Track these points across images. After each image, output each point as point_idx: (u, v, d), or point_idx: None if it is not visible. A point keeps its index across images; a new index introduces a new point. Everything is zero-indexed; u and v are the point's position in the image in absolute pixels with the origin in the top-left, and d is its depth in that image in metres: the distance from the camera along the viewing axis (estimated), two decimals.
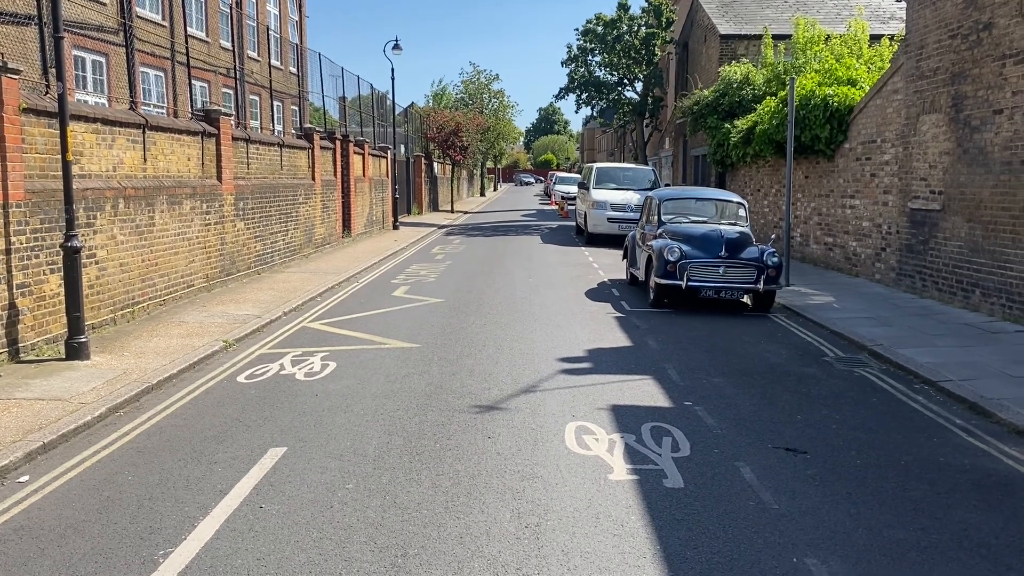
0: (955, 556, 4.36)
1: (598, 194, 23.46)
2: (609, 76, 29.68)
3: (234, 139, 14.72)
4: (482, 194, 75.49)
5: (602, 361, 8.80)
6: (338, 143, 22.50)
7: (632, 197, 22.87)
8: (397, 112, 42.13)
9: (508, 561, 4.21)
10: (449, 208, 43.93)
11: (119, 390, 7.42)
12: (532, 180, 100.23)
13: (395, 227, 28.97)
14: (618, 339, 10.00)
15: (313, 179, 19.83)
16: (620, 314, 11.76)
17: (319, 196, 20.22)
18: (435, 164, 44.69)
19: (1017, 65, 10.24)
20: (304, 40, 39.44)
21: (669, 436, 6.23)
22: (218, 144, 13.89)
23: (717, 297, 11.79)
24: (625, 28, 27.88)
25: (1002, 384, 7.63)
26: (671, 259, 11.77)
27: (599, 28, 28.82)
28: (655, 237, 12.76)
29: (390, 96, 58.99)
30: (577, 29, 29.42)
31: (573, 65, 29.62)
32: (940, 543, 4.51)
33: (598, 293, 13.82)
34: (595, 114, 30.97)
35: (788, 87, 14.11)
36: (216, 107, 14.16)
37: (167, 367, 8.33)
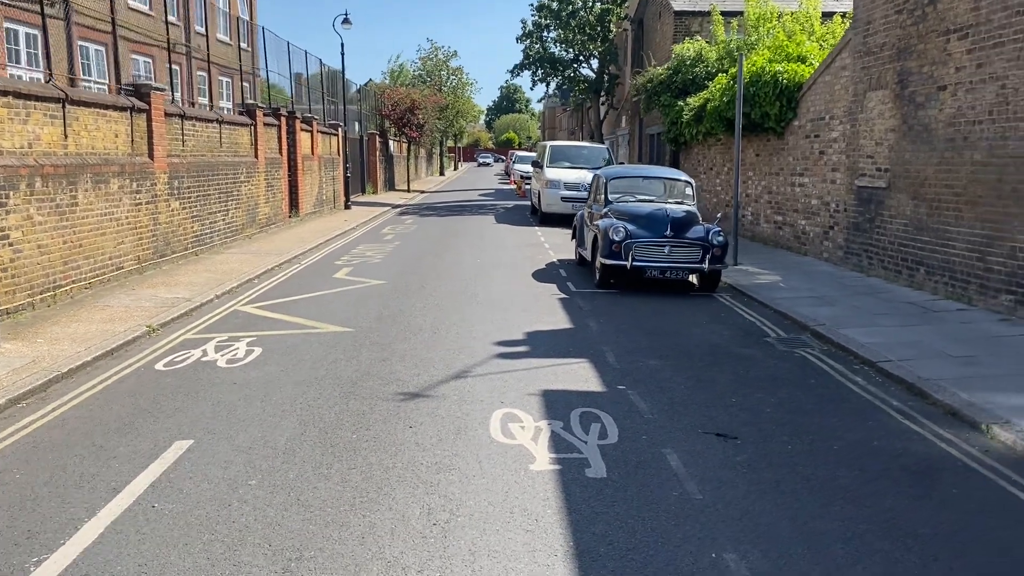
0: (880, 547, 4.19)
1: (552, 173, 23.17)
2: (564, 53, 29.31)
3: (167, 115, 14.15)
4: (441, 173, 74.76)
5: (540, 344, 8.55)
6: (283, 120, 21.89)
7: (586, 176, 22.54)
8: (353, 90, 41.39)
9: (409, 563, 3.94)
10: (405, 187, 43.35)
11: (24, 380, 6.99)
12: (491, 160, 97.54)
13: (347, 207, 28.42)
14: (559, 321, 9.76)
15: (256, 157, 19.25)
16: (565, 295, 11.51)
17: (263, 174, 19.65)
18: (391, 142, 44.00)
19: (960, 40, 10.12)
20: (254, 15, 38.44)
21: (598, 422, 6.00)
22: (149, 120, 13.32)
23: (663, 277, 11.60)
24: (580, 3, 27.49)
25: (941, 364, 7.52)
26: (616, 239, 11.54)
27: (554, 3, 28.39)
28: (602, 216, 12.51)
29: (343, 73, 57.77)
30: (532, 4, 29.03)
31: (528, 41, 29.19)
32: (866, 533, 4.34)
33: (545, 274, 13.56)
34: (550, 91, 30.57)
35: (737, 64, 13.90)
36: (147, 81, 13.57)
37: (81, 354, 7.89)
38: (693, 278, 12.12)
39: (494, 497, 4.69)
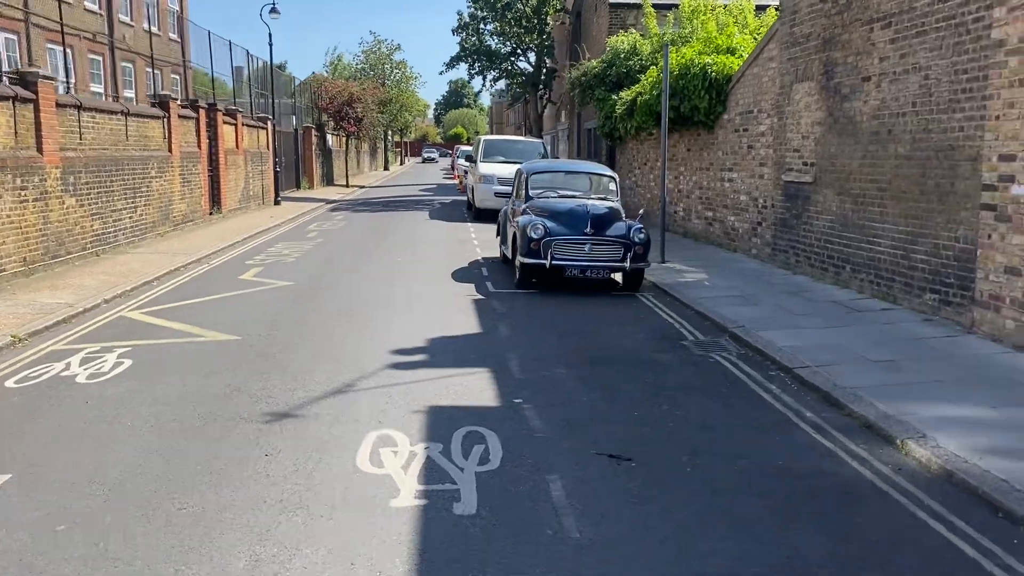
0: None
1: (485, 167, 22.56)
2: (501, 46, 28.69)
3: (60, 106, 13.17)
4: (386, 168, 73.61)
5: (441, 352, 7.93)
6: (202, 112, 20.87)
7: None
8: (297, 83, 40.19)
9: None
10: (344, 183, 42.31)
11: None
12: (436, 155, 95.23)
13: (276, 203, 27.42)
14: (469, 325, 9.15)
15: (170, 151, 18.25)
16: (481, 296, 10.91)
17: (177, 169, 18.65)
18: (329, 136, 42.91)
19: (884, 30, 9.76)
20: (185, 6, 37.03)
21: (482, 444, 5.40)
22: (37, 111, 12.34)
23: (583, 277, 11.05)
24: None
25: (859, 370, 7.10)
26: (534, 236, 10.97)
27: None
28: (522, 213, 11.94)
29: (279, 65, 56.30)
30: None
31: (464, 33, 28.47)
32: None
33: (467, 273, 12.94)
34: (486, 85, 30.02)
35: (663, 55, 13.44)
36: (34, 69, 12.58)
37: None
38: (618, 276, 11.62)
39: (338, 543, 4.06)
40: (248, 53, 29.00)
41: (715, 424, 5.98)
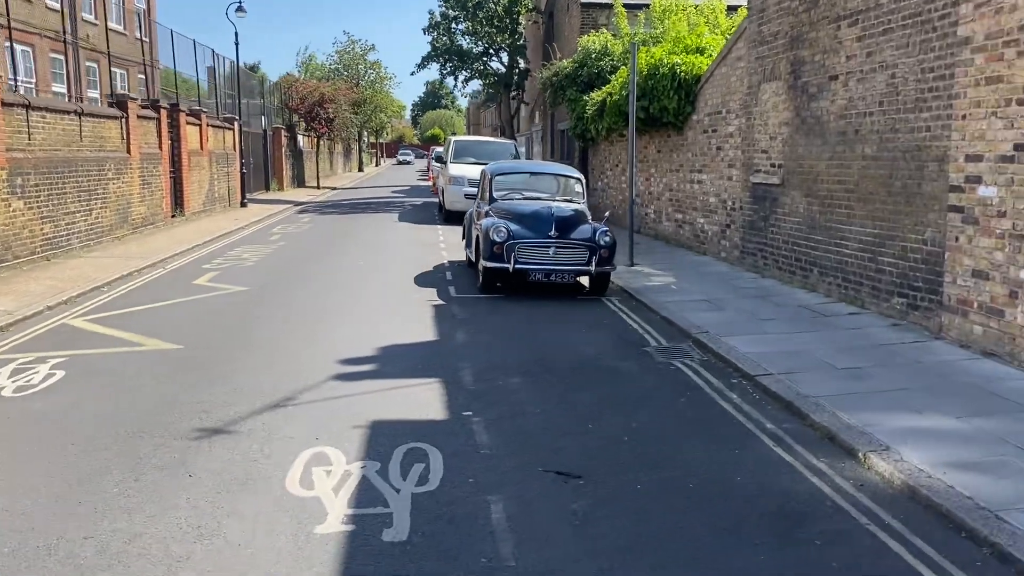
0: None
1: (455, 169, 22.22)
2: (474, 46, 28.35)
3: (6, 104, 12.70)
4: (360, 170, 73.00)
5: (393, 362, 7.60)
6: (164, 112, 20.37)
7: None
8: (269, 83, 39.65)
9: None
10: (315, 184, 41.78)
11: None
12: (411, 157, 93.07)
13: (243, 204, 26.90)
14: (425, 333, 8.83)
15: (129, 152, 17.76)
16: (442, 302, 10.58)
17: (137, 171, 18.16)
18: (300, 137, 42.37)
19: (851, 27, 9.56)
20: (152, 4, 36.40)
21: (424, 462, 5.09)
22: None
23: (548, 281, 10.76)
24: None
25: (824, 378, 6.86)
26: (498, 239, 10.67)
27: None
28: (485, 215, 11.64)
29: (252, 66, 55.54)
30: None
31: (435, 33, 28.11)
32: None
33: (430, 277, 12.61)
34: (458, 85, 29.65)
35: (638, 56, 13.19)
36: None
37: None
38: (585, 280, 11.34)
39: (254, 575, 3.73)
40: (214, 53, 28.51)
41: (672, 437, 5.70)
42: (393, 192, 37.93)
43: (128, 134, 17.75)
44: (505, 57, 28.16)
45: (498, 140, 26.06)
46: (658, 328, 9.22)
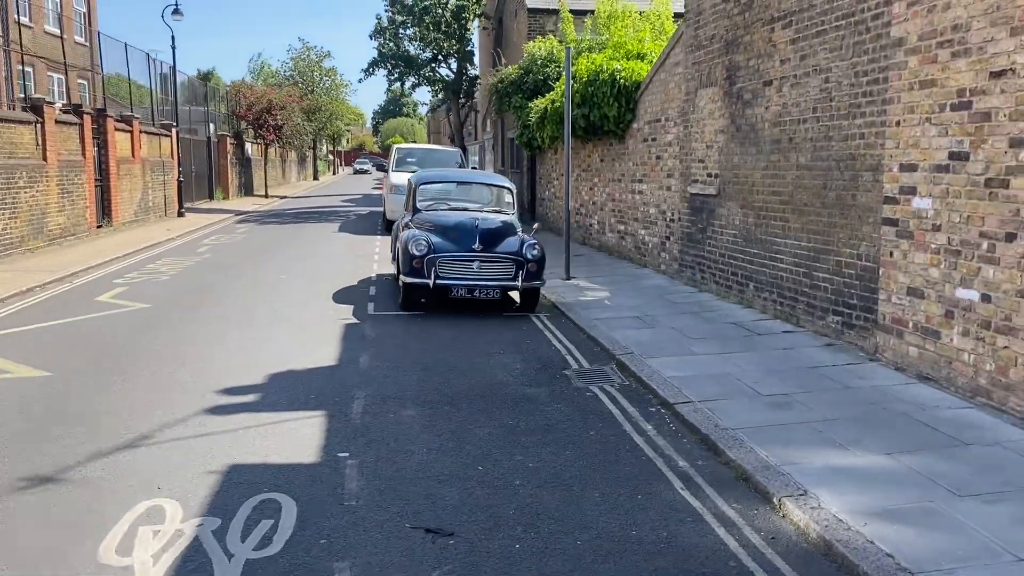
0: None
1: (397, 178, 21.47)
2: (421, 51, 27.65)
3: None
4: (315, 178, 71.77)
5: (279, 391, 6.88)
6: (88, 118, 19.36)
7: None
8: (207, 90, 38.55)
9: None
10: (263, 193, 40.70)
11: None
12: (368, 166, 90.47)
13: (180, 214, 25.87)
14: (326, 356, 8.11)
15: (45, 159, 16.78)
16: (356, 321, 9.87)
17: (55, 179, 17.18)
18: (248, 145, 41.29)
19: (785, 29, 9.07)
20: (94, 6, 35.19)
21: (273, 518, 4.39)
22: None
23: (472, 297, 10.10)
24: None
25: (747, 406, 6.29)
26: (417, 253, 10.00)
27: None
28: (407, 227, 10.97)
29: (207, 73, 54.18)
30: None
31: (381, 38, 27.38)
32: None
33: (351, 292, 11.88)
34: (404, 91, 28.88)
35: (580, 61, 12.63)
36: None
37: None
38: (516, 295, 10.70)
39: None
40: (148, 56, 27.47)
41: (570, 479, 5.07)
42: (343, 201, 37.05)
43: (44, 140, 16.77)
44: (454, 63, 27.53)
45: (444, 148, 25.44)
46: (583, 348, 8.62)
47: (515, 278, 10.09)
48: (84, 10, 34.82)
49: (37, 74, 31.49)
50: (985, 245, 6.06)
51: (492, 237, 10.28)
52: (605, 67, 14.89)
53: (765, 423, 5.88)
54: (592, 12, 21.05)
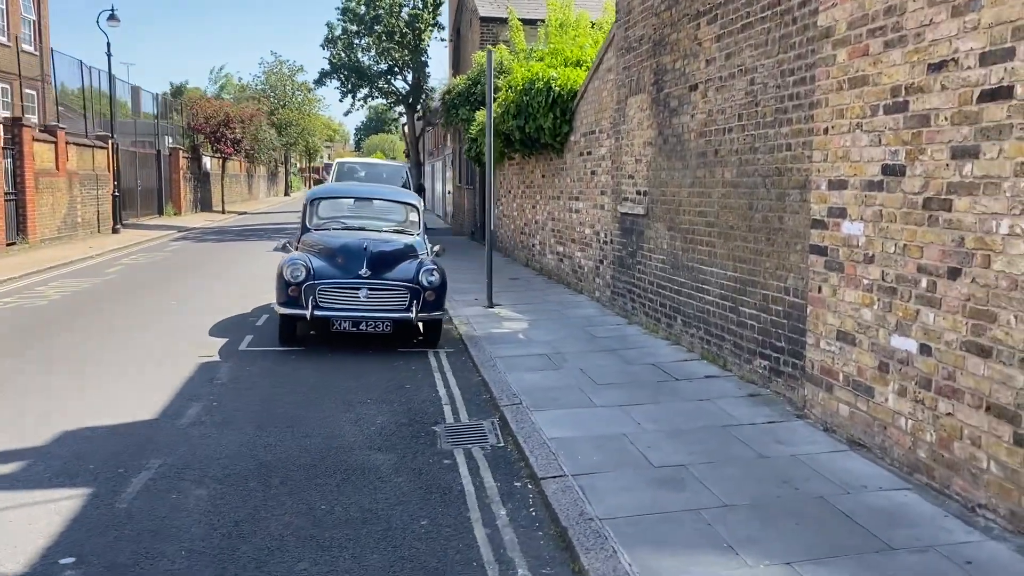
0: None
1: None
2: (375, 62, 26.41)
3: None
4: (287, 194, 70.43)
5: (56, 456, 5.52)
6: None
7: None
8: (157, 100, 37.21)
9: None
10: (221, 208, 39.26)
11: None
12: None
13: (115, 231, 24.45)
14: (149, 408, 6.72)
15: None
16: (218, 359, 8.50)
17: None
18: (207, 159, 39.91)
19: (710, 25, 7.85)
20: (44, 14, 33.77)
21: None
22: None
23: (357, 331, 8.76)
24: (385, 7, 24.64)
25: (631, 482, 4.98)
26: (293, 279, 8.67)
27: (360, 7, 25.46)
28: (294, 249, 9.65)
29: (180, 86, 52.85)
30: (338, 7, 26.02)
31: (333, 48, 26.12)
32: None
33: (236, 323, 10.50)
34: (355, 104, 27.67)
35: (486, 63, 11.40)
36: None
37: None
38: (423, 326, 9.38)
39: None
40: (82, 64, 26.12)
41: None
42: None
43: None
44: (411, 75, 26.31)
45: (386, 162, 24.20)
46: (470, 395, 7.31)
47: (409, 309, 8.78)
48: (34, 18, 33.36)
49: None
50: (924, 282, 4.80)
51: (384, 261, 8.97)
52: (541, 75, 13.67)
53: (645, 509, 4.57)
54: (543, 20, 19.89)
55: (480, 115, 17.80)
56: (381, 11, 25.01)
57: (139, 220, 30.01)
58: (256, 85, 61.78)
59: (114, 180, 25.27)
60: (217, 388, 7.33)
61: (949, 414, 4.60)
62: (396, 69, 26.39)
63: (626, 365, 7.98)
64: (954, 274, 4.55)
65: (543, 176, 15.20)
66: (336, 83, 27.74)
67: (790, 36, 6.43)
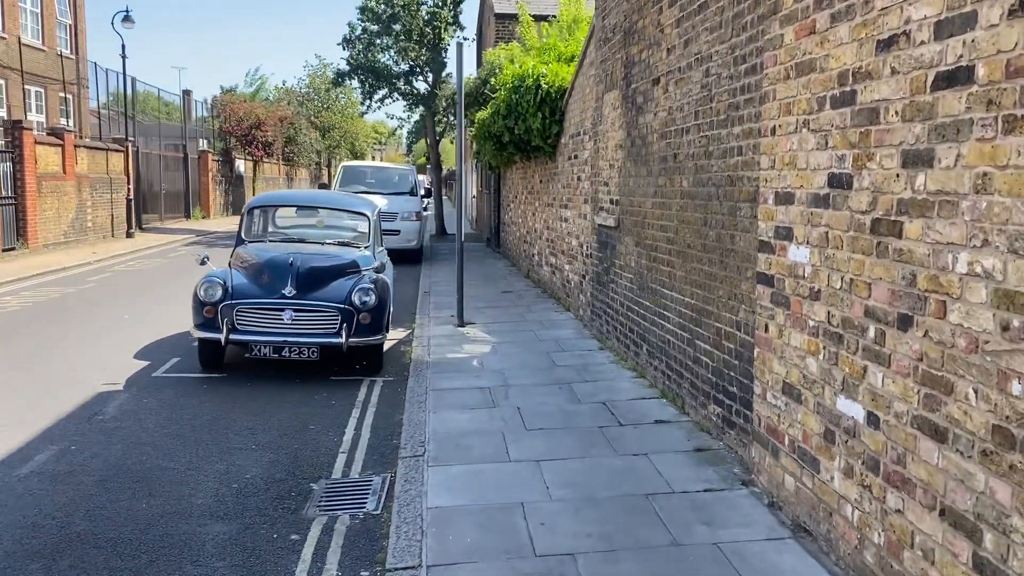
0: None
1: None
2: (395, 63, 25.62)
3: None
4: None
5: None
6: None
7: (378, 202, 18.87)
8: (186, 103, 37.10)
9: None
10: None
11: None
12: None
13: (128, 235, 24.09)
14: None
15: None
16: (120, 387, 7.63)
17: None
18: (240, 162, 39.69)
19: (671, 8, 6.70)
20: (80, 18, 33.85)
21: None
22: None
23: (280, 358, 7.81)
24: (402, 4, 23.81)
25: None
26: (208, 300, 7.77)
27: (381, 5, 24.69)
28: (228, 265, 8.76)
29: (227, 89, 52.97)
30: (358, 7, 25.28)
31: (352, 48, 25.42)
32: None
33: (175, 342, 9.59)
34: (372, 105, 26.96)
35: (456, 55, 10.40)
36: None
37: None
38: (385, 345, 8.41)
39: None
40: (95, 65, 25.87)
41: None
42: None
43: None
44: (430, 76, 25.50)
45: (393, 166, 23.32)
46: (381, 440, 6.30)
47: (339, 333, 7.79)
48: (70, 22, 33.36)
49: (10, 86, 30.05)
50: (872, 331, 3.61)
51: (315, 279, 8.00)
52: (531, 72, 12.59)
53: None
54: (555, 16, 18.80)
55: (480, 115, 16.77)
56: (399, 8, 24.12)
57: (163, 223, 29.78)
58: (300, 88, 61.79)
59: (129, 183, 24.92)
60: (91, 427, 6.44)
61: (899, 511, 3.41)
62: (417, 69, 25.56)
63: (572, 404, 6.87)
64: (905, 323, 3.36)
65: (540, 181, 14.14)
66: (355, 84, 27.02)
67: (743, 15, 5.26)
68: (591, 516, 4.59)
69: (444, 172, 32.95)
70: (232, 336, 7.66)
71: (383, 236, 18.57)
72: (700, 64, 6.01)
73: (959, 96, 2.98)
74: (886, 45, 3.47)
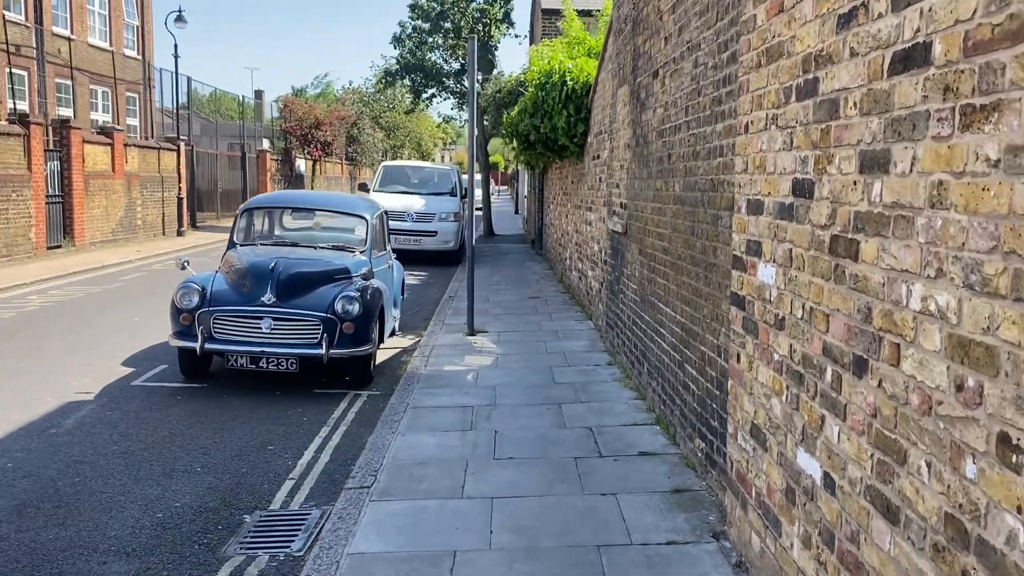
0: None
1: (378, 199, 19.06)
2: (447, 61, 25.26)
3: None
4: None
5: None
6: (35, 129, 17.78)
7: (415, 203, 18.58)
8: (245, 104, 37.55)
9: None
10: None
11: None
12: None
13: (179, 233, 24.35)
14: None
15: None
16: (88, 397, 7.31)
17: None
18: (301, 161, 39.98)
19: None
20: (148, 18, 34.58)
21: None
22: None
23: (258, 369, 7.40)
24: (451, 1, 23.40)
25: None
26: (184, 307, 7.42)
27: (431, 2, 24.34)
28: (217, 269, 8.42)
29: (297, 89, 53.95)
30: (409, 4, 25.00)
31: (403, 47, 25.15)
32: None
33: (161, 351, 9.31)
34: (420, 104, 26.61)
35: (469, 51, 9.86)
36: None
37: None
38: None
39: None
40: (149, 66, 26.19)
41: None
42: None
43: None
44: (480, 73, 25.05)
45: (434, 166, 22.91)
46: (339, 465, 5.82)
47: (320, 343, 7.34)
48: (137, 23, 34.01)
49: (77, 87, 30.74)
50: (829, 373, 2.93)
51: (298, 285, 7.57)
52: (557, 68, 11.98)
53: None
54: (600, 11, 18.10)
55: (511, 113, 16.20)
56: (449, 5, 23.76)
57: (218, 222, 30.09)
58: (366, 87, 62.25)
59: (181, 182, 25.19)
60: (40, 442, 6.11)
61: None
62: (466, 68, 25.11)
63: (556, 429, 6.26)
64: (860, 367, 2.68)
65: (572, 182, 13.52)
66: (406, 82, 26.76)
67: None
68: (524, 572, 3.99)
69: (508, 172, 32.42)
70: (207, 345, 7.29)
71: (421, 237, 18.38)
72: (691, 54, 5.34)
73: (915, 82, 2.30)
74: (846, 21, 2.78)
